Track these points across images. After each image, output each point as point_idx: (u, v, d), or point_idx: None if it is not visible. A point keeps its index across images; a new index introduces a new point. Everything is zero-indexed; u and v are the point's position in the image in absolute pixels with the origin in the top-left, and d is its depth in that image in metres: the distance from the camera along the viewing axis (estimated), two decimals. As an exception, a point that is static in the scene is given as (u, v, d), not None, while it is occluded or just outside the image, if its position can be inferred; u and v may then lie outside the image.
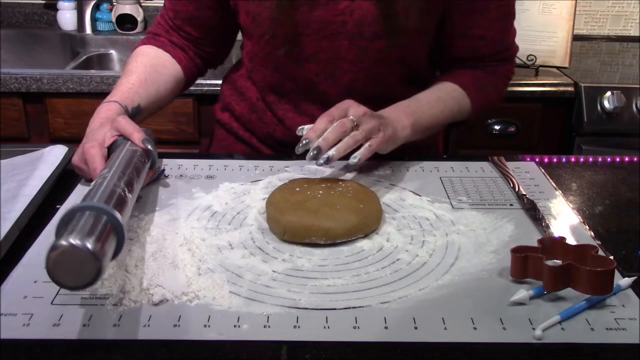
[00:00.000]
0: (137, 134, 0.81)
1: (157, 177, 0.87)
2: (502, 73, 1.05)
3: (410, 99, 0.95)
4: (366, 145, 0.81)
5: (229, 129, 1.09)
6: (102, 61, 1.99)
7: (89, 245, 0.53)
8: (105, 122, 0.83)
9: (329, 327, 0.57)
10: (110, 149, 0.80)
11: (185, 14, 1.02)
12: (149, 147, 0.80)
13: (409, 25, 0.92)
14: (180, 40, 1.04)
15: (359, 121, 0.81)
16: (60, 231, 0.57)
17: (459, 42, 1.00)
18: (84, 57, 1.91)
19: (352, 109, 0.83)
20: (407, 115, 0.91)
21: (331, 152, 0.78)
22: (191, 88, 1.12)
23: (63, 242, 0.53)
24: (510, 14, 1.01)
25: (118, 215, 0.60)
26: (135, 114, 0.91)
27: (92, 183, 0.68)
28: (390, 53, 0.95)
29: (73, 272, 0.53)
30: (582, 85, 1.59)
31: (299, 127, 0.82)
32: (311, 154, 0.77)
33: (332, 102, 0.90)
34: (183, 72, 1.04)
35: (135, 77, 0.95)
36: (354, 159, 0.80)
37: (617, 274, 0.64)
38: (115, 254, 0.60)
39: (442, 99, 0.98)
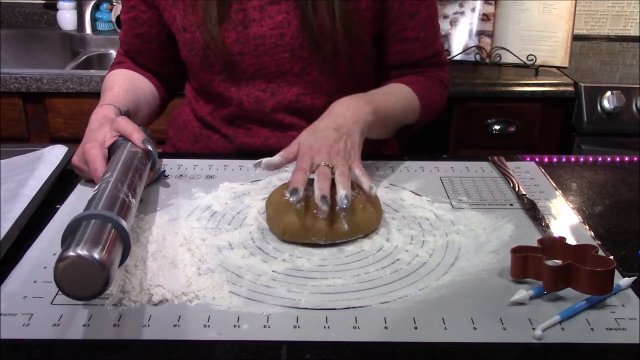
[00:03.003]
0: (137, 135, 0.81)
1: (158, 178, 0.87)
2: (437, 79, 1.04)
3: (362, 93, 0.92)
4: (356, 172, 0.76)
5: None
6: (102, 61, 1.99)
7: (96, 256, 0.53)
8: (105, 123, 0.84)
9: (329, 327, 0.57)
10: (111, 150, 0.80)
11: (135, 47, 1.05)
12: (149, 147, 0.80)
13: (335, 35, 0.92)
14: (141, 67, 1.07)
15: (331, 163, 0.76)
16: (66, 240, 0.57)
17: (394, 47, 1.00)
18: (84, 57, 1.91)
19: (316, 156, 0.77)
20: (366, 102, 0.88)
21: (343, 194, 0.71)
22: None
23: (71, 253, 0.53)
24: (436, 14, 1.02)
25: (124, 222, 0.60)
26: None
27: (96, 187, 0.68)
28: (334, 63, 0.95)
29: (81, 283, 0.53)
30: (582, 85, 1.59)
31: (256, 162, 0.79)
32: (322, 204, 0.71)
33: (282, 125, 0.93)
34: (156, 89, 1.06)
35: (118, 87, 0.97)
36: (372, 190, 0.74)
37: (617, 274, 0.64)
38: (122, 261, 0.60)
39: (393, 93, 0.97)
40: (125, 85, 0.98)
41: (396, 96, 0.97)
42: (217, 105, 1.03)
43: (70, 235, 0.57)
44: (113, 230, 0.59)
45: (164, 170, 0.90)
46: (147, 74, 1.06)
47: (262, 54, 0.94)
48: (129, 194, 0.68)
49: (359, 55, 0.98)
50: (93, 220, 0.59)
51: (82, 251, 0.53)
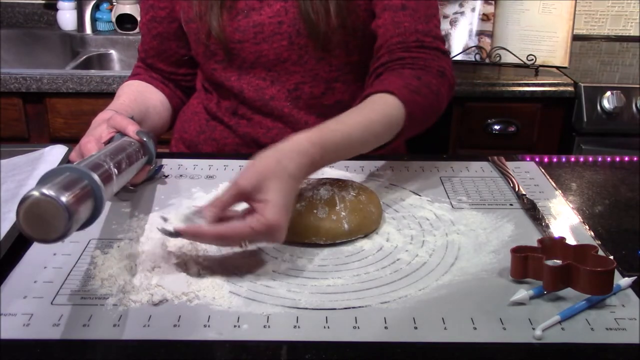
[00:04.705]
0: (132, 127, 0.82)
1: (155, 174, 0.87)
2: (435, 68, 0.89)
3: (315, 128, 0.73)
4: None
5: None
6: (102, 61, 1.99)
7: (63, 199, 0.52)
8: (103, 123, 0.85)
9: (329, 327, 0.57)
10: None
11: (153, 51, 1.07)
12: (144, 138, 0.81)
13: (329, 23, 0.93)
14: (157, 76, 1.09)
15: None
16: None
17: (382, 19, 0.93)
18: (84, 57, 1.91)
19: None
20: (308, 150, 0.69)
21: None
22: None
23: (35, 193, 0.52)
24: (433, 2, 0.95)
25: (97, 178, 0.59)
26: None
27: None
28: (330, 52, 0.96)
29: (43, 224, 0.52)
30: (582, 85, 1.59)
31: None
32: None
33: (282, 115, 0.92)
34: (168, 100, 1.08)
35: (125, 97, 0.99)
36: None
37: (617, 274, 0.64)
38: (92, 220, 0.59)
39: (360, 115, 0.79)
40: (133, 95, 1.00)
41: (364, 123, 0.78)
42: (220, 96, 1.04)
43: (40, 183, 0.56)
44: (86, 185, 0.57)
45: (162, 166, 0.90)
46: (160, 84, 1.08)
47: (261, 42, 0.96)
48: (112, 166, 0.66)
49: (356, 46, 0.99)
50: (67, 173, 0.57)
51: (48, 191, 0.52)
